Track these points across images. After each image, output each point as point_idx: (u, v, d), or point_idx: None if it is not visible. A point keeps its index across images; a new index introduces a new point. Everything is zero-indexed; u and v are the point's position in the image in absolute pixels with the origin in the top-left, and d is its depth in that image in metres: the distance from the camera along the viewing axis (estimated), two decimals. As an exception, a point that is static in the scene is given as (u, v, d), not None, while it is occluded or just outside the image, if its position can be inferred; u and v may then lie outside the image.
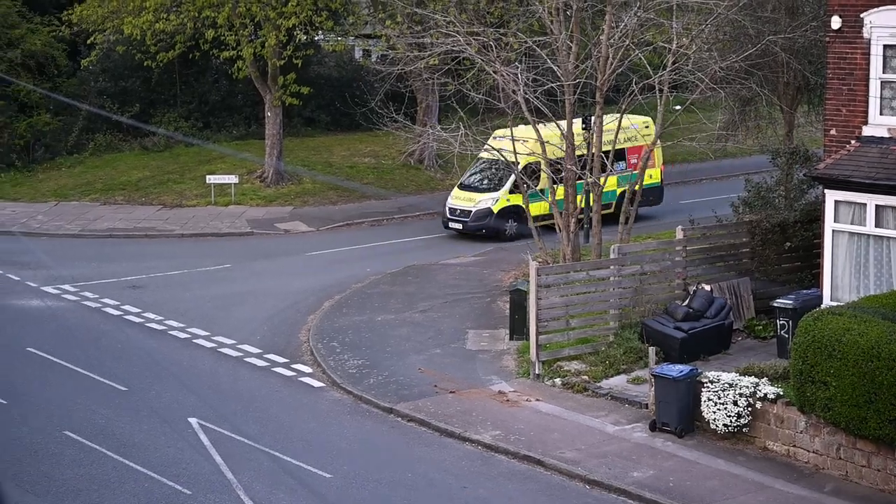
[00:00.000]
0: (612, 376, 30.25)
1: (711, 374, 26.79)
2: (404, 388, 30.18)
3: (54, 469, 25.77)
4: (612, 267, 32.64)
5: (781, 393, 25.84)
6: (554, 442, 26.65)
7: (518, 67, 35.20)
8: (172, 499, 24.31)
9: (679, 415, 26.65)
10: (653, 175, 47.05)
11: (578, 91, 35.35)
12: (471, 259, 42.93)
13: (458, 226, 46.46)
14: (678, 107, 37.19)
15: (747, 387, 26.09)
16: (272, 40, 49.99)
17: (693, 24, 35.53)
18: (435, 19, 38.22)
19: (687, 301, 31.97)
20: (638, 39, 35.08)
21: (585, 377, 30.20)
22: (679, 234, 33.92)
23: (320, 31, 55.70)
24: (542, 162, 41.95)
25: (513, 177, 44.39)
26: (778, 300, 30.86)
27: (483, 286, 39.23)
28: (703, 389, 26.53)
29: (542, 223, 42.89)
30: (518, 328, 33.16)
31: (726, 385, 26.26)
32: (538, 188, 42.90)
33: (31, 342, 33.87)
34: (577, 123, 42.97)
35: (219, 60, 56.25)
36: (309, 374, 31.79)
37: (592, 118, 36.08)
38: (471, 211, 46.23)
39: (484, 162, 47.56)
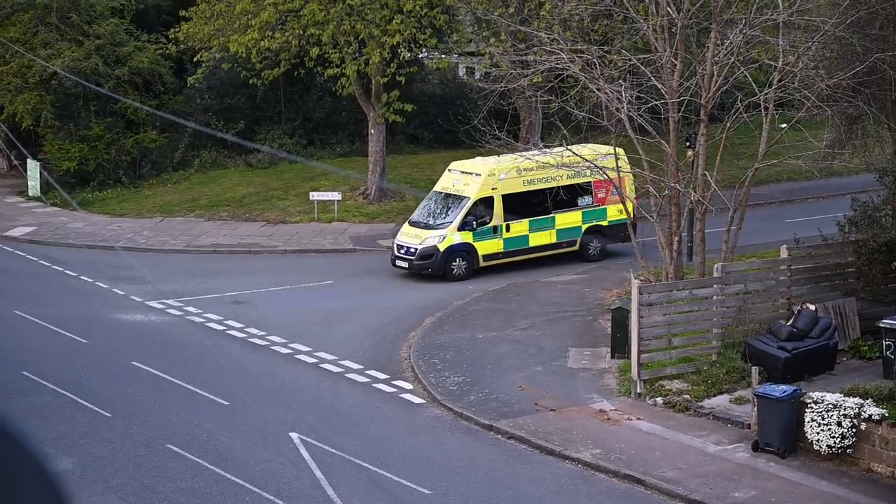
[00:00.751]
0: (714, 396, 29.94)
1: (815, 395, 26.43)
2: (505, 405, 30.10)
3: (157, 482, 25.99)
4: (715, 286, 32.34)
5: (887, 414, 25.44)
6: (655, 461, 26.43)
7: (622, 85, 35.01)
8: (273, 513, 24.41)
9: (782, 435, 26.32)
10: (622, 210, 41.74)
11: (682, 109, 35.09)
12: (572, 276, 42.73)
13: (405, 264, 43.35)
14: (784, 125, 36.76)
15: (852, 407, 25.71)
16: (376, 58, 50.17)
17: (799, 42, 35.16)
18: (539, 37, 38.18)
19: (791, 320, 31.58)
20: (743, 57, 34.75)
21: (687, 396, 29.93)
22: (784, 253, 33.54)
23: (424, 49, 55.85)
24: (496, 197, 42.82)
25: (462, 213, 43.17)
26: (884, 320, 30.37)
27: (584, 304, 39.04)
28: (806, 410, 26.18)
29: (491, 263, 43.23)
30: (620, 346, 32.95)
31: (830, 406, 25.89)
32: (490, 225, 42.82)
33: (136, 356, 34.23)
34: (585, 149, 42.28)
35: (323, 78, 56.56)
36: (409, 391, 31.81)
37: (697, 136, 35.77)
38: (416, 249, 43.22)
39: (438, 196, 44.99)
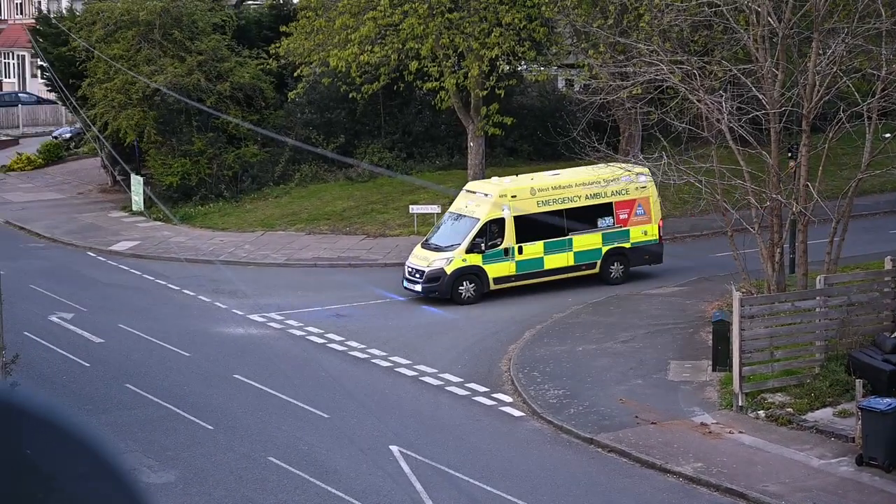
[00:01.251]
0: (817, 409, 29.60)
1: (922, 409, 26.04)
2: (605, 418, 29.97)
3: (258, 494, 26.18)
4: (818, 298, 31.98)
5: None
6: (757, 475, 26.17)
7: (722, 96, 34.76)
8: (373, 526, 24.49)
9: (887, 449, 25.94)
10: (648, 231, 43.21)
11: (784, 119, 34.76)
12: (673, 289, 42.43)
13: (417, 287, 41.91)
14: (888, 135, 36.32)
15: (959, 422, 25.31)
16: (475, 71, 50.24)
17: (903, 50, 34.68)
18: (638, 48, 38.03)
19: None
20: (846, 66, 34.37)
21: (790, 409, 29.61)
22: (888, 265, 33.09)
23: (523, 62, 55.81)
24: (507, 219, 41.74)
25: (471, 235, 41.94)
26: None
27: (685, 316, 38.75)
28: (912, 424, 25.80)
29: (503, 286, 42.10)
30: (721, 359, 32.67)
31: (937, 420, 25.50)
32: (501, 247, 41.91)
33: (238, 369, 34.51)
34: (586, 171, 43.44)
35: (422, 91, 56.72)
36: (509, 404, 31.77)
37: (799, 146, 35.40)
38: (424, 271, 41.92)
39: (451, 217, 43.79)
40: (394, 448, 28.32)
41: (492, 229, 42.05)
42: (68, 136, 75.96)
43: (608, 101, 43.97)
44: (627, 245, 43.25)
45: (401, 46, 50.72)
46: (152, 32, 58.17)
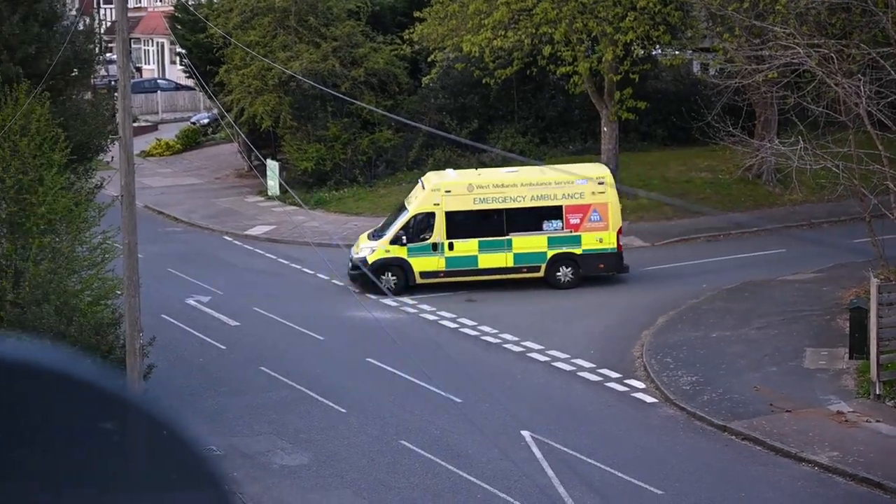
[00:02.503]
0: (958, 399, 29.04)
1: None
2: (739, 405, 29.67)
3: (390, 477, 26.35)
4: (959, 285, 31.32)
5: None
6: (895, 465, 25.72)
7: (860, 79, 34.17)
8: (504, 510, 24.52)
9: None
10: (604, 239, 41.46)
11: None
12: (810, 276, 41.83)
13: (354, 273, 41.84)
14: None
15: None
16: (609, 55, 49.93)
17: None
18: (774, 31, 37.52)
19: None
20: None
21: (929, 399, 29.08)
22: None
23: (657, 46, 55.38)
24: (438, 213, 41.05)
25: (395, 227, 41.83)
26: None
27: (822, 303, 38.18)
28: None
29: (432, 280, 41.52)
30: (858, 347, 32.15)
31: None
32: (430, 241, 41.38)
33: (371, 353, 34.73)
34: (575, 167, 43.36)
35: (555, 76, 56.51)
36: (642, 390, 31.61)
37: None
38: (352, 258, 42.03)
39: (400, 207, 43.82)
40: (525, 433, 28.32)
41: (421, 223, 41.56)
42: (206, 121, 76.98)
43: (743, 86, 43.44)
44: (578, 251, 41.64)
45: (534, 31, 50.56)
46: (288, 19, 58.68)
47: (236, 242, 50.52)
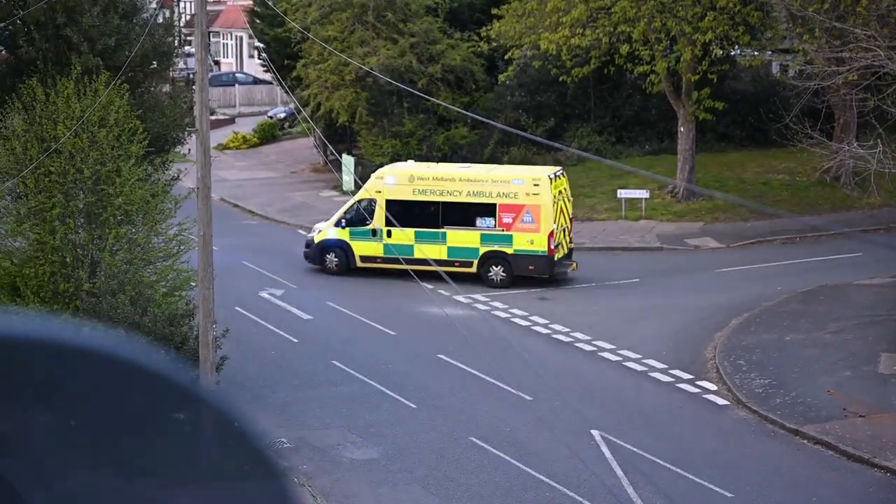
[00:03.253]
0: None
1: None
2: (811, 409, 29.42)
3: (459, 473, 26.36)
4: None
5: None
6: (970, 474, 25.43)
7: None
8: (572, 509, 24.46)
9: None
10: (534, 241, 41.18)
11: None
12: (887, 280, 41.38)
13: (305, 250, 44.93)
14: None
15: None
16: (687, 55, 49.70)
17: None
18: (855, 33, 37.17)
19: None
20: None
21: None
22: None
23: (736, 46, 55.05)
24: (378, 201, 42.47)
25: (340, 211, 43.90)
26: None
27: (899, 308, 37.78)
28: None
29: (371, 265, 43.10)
30: (934, 353, 31.82)
31: None
32: (369, 227, 42.82)
33: (443, 349, 34.76)
34: (523, 169, 44.23)
35: (633, 75, 56.35)
36: (713, 392, 31.42)
37: None
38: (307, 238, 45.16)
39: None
40: (595, 433, 28.24)
41: (363, 209, 42.78)
42: (282, 116, 77.42)
43: (823, 88, 43.13)
44: (510, 251, 41.79)
45: (612, 30, 50.43)
46: (366, 14, 58.85)
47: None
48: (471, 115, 50.53)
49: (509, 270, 41.96)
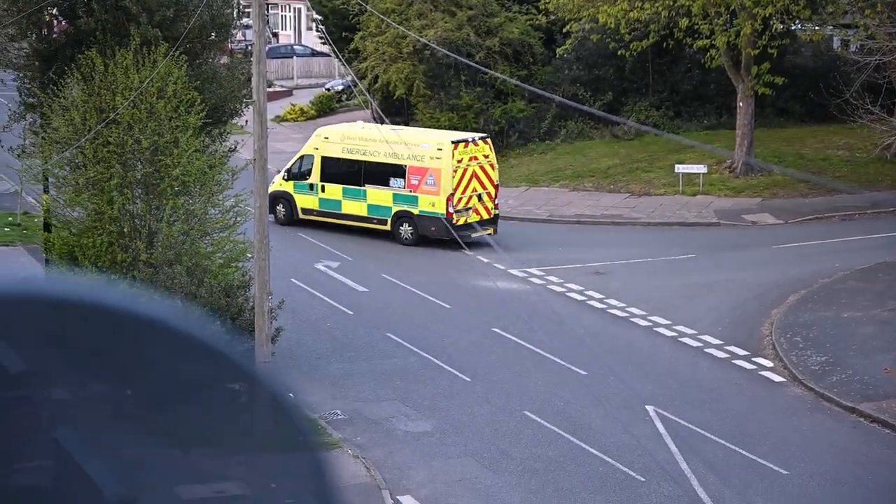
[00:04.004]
0: None
1: None
2: (868, 387, 29.23)
3: (512, 447, 26.39)
4: None
5: None
6: None
7: None
8: (626, 484, 24.46)
9: None
10: (435, 203, 42.99)
11: None
12: (947, 258, 41.01)
13: None
14: None
15: None
16: (747, 29, 49.33)
17: None
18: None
19: None
20: None
21: None
22: None
23: (797, 21, 54.56)
24: (316, 157, 45.39)
25: (288, 164, 46.60)
26: None
27: (958, 287, 37.41)
28: None
29: (310, 217, 45.85)
30: None
31: None
32: (308, 182, 45.73)
33: (497, 323, 34.76)
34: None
35: (692, 50, 56.01)
36: (769, 369, 31.27)
37: None
38: None
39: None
40: (650, 408, 28.18)
41: (305, 163, 46.06)
42: (340, 88, 77.44)
43: (884, 63, 42.72)
44: (415, 211, 43.70)
45: (671, 3, 50.14)
46: (424, -14, 58.75)
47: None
48: (528, 87, 50.41)
49: (416, 230, 43.87)
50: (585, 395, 29.14)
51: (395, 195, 44.01)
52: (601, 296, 37.55)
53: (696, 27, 50.67)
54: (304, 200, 45.87)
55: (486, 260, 41.47)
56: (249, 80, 32.73)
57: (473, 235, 42.25)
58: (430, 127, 58.16)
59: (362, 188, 44.63)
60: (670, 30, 52.32)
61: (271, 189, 43.64)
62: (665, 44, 54.56)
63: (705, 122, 59.96)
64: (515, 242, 43.52)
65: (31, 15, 35.79)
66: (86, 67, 31.23)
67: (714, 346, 32.87)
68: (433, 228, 43.11)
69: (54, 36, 37.85)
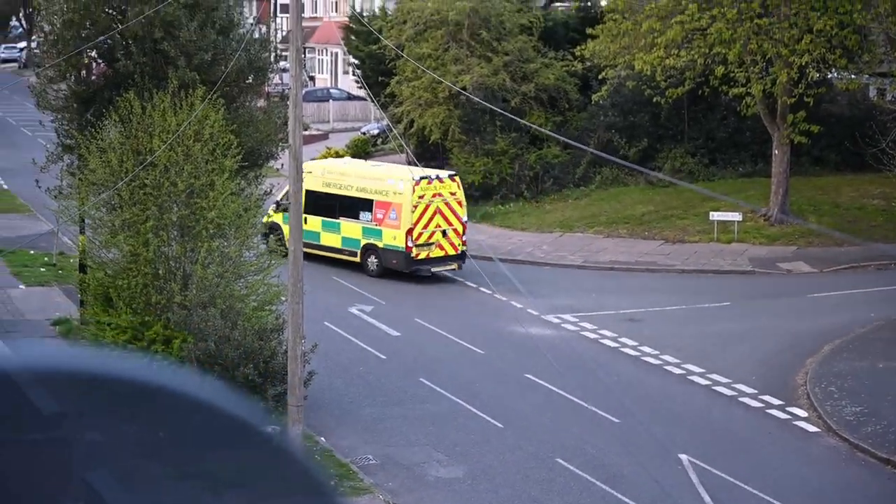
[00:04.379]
0: None
1: None
2: (904, 439, 28.99)
3: (544, 495, 26.26)
4: None
5: None
6: None
7: None
8: (658, 534, 24.29)
9: None
10: (396, 237, 44.97)
11: None
12: (984, 309, 40.75)
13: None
14: None
15: None
16: (783, 78, 49.29)
17: None
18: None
19: None
20: None
21: None
22: None
23: (833, 69, 54.48)
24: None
25: (278, 197, 45.94)
26: None
27: None
28: None
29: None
30: None
31: None
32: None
33: (530, 369, 34.66)
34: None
35: (727, 97, 55.97)
36: (804, 419, 31.06)
37: None
38: None
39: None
40: (683, 457, 28.02)
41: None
42: (375, 132, 77.68)
43: (921, 112, 42.54)
44: (380, 244, 45.77)
45: (707, 51, 50.14)
46: (461, 32, 58.99)
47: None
48: (559, 136, 50.50)
49: (380, 262, 45.75)
50: (618, 443, 29.00)
51: (363, 228, 46.26)
52: (635, 343, 37.42)
53: (731, 75, 50.63)
54: (289, 231, 46.15)
55: (519, 305, 41.41)
56: (286, 123, 32.93)
57: (433, 269, 44.72)
58: (464, 172, 58.33)
59: (338, 220, 46.94)
60: (706, 77, 52.31)
61: (265, 220, 46.17)
62: (701, 91, 54.53)
63: (740, 169, 59.84)
64: (549, 288, 43.48)
65: (70, 57, 36.09)
66: (124, 110, 31.44)
67: (748, 395, 32.68)
68: (395, 261, 45.15)
69: (93, 78, 38.14)
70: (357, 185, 46.01)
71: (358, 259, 46.22)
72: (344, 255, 46.61)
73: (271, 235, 45.70)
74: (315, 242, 46.09)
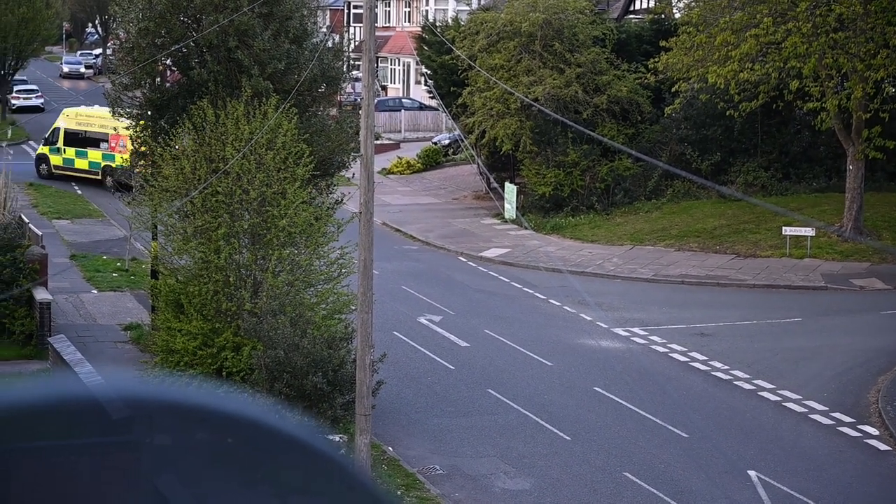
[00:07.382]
0: None
1: None
2: (977, 459, 28.63)
3: (611, 508, 26.13)
4: None
5: None
6: None
7: None
8: (725, 550, 24.11)
9: None
10: (125, 159, 48.16)
11: None
12: None
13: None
14: None
15: None
16: (858, 93, 48.86)
17: None
18: None
19: None
20: None
21: None
22: None
23: (909, 84, 53.96)
24: (61, 128, 67.36)
25: (47, 134, 68.62)
26: None
27: None
28: None
29: (60, 172, 67.03)
30: None
31: None
32: (57, 146, 66.78)
33: (598, 382, 34.56)
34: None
35: (802, 111, 55.57)
36: (875, 437, 30.74)
37: None
38: None
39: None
40: (752, 473, 27.81)
41: (55, 133, 67.56)
42: (447, 142, 77.80)
43: None
44: (114, 165, 59.93)
45: (782, 65, 49.78)
46: (533, 43, 58.95)
47: (470, 263, 50.86)
48: (630, 151, 50.30)
49: (113, 180, 54.36)
50: (687, 458, 28.83)
51: (103, 154, 64.84)
52: (704, 357, 37.20)
53: (806, 89, 50.28)
54: (55, 160, 67.12)
55: (588, 318, 41.30)
56: (357, 132, 33.00)
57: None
58: (535, 183, 58.30)
59: (85, 150, 65.85)
60: (780, 91, 51.98)
61: (37, 153, 69.42)
62: (775, 105, 54.19)
63: (814, 184, 59.35)
64: (619, 301, 43.34)
65: (145, 65, 36.40)
66: (197, 118, 31.67)
67: (819, 413, 32.39)
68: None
69: (167, 86, 38.44)
70: (100, 124, 63.24)
71: (100, 177, 63.95)
72: (91, 174, 65.15)
73: (41, 165, 67.69)
74: (71, 167, 66.36)
